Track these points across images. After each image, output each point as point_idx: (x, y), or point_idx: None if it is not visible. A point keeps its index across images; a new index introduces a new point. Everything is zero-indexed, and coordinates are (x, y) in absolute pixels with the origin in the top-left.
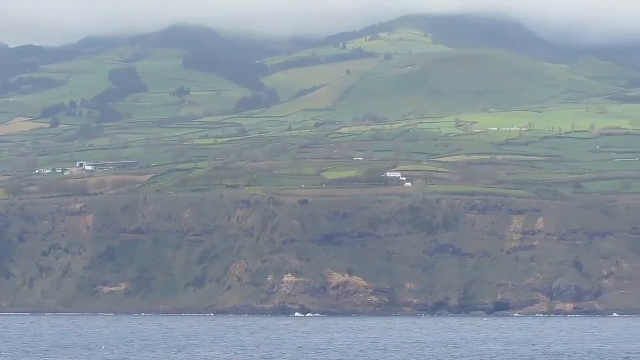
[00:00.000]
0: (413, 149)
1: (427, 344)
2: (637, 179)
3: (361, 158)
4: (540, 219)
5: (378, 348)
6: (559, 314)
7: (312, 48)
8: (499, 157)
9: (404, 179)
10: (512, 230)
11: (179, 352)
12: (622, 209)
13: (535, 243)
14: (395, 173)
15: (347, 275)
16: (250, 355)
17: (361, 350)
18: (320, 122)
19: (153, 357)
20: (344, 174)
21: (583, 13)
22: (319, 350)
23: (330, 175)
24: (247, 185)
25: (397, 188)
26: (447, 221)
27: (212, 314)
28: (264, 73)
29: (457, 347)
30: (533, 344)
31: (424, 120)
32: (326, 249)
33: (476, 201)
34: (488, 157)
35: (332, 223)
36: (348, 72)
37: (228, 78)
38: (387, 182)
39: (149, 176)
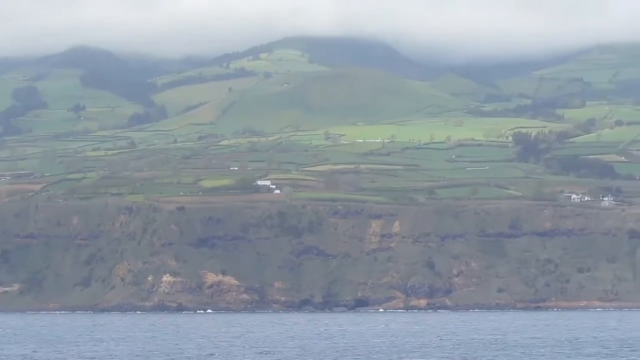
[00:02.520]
0: (285, 160)
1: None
2: (485, 185)
3: (237, 168)
4: (397, 223)
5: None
6: (413, 309)
7: (199, 68)
8: (362, 166)
9: (274, 187)
10: (371, 233)
11: None
12: (471, 213)
13: (392, 245)
14: (266, 181)
15: (220, 276)
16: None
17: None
18: (203, 135)
19: None
20: (219, 182)
21: (445, 35)
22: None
23: (207, 183)
24: (130, 194)
25: (267, 195)
26: (312, 225)
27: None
28: (155, 91)
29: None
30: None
31: (298, 134)
32: (201, 251)
33: (338, 207)
34: (352, 166)
35: (207, 227)
36: (230, 89)
37: (122, 95)
38: (258, 189)
39: (41, 185)
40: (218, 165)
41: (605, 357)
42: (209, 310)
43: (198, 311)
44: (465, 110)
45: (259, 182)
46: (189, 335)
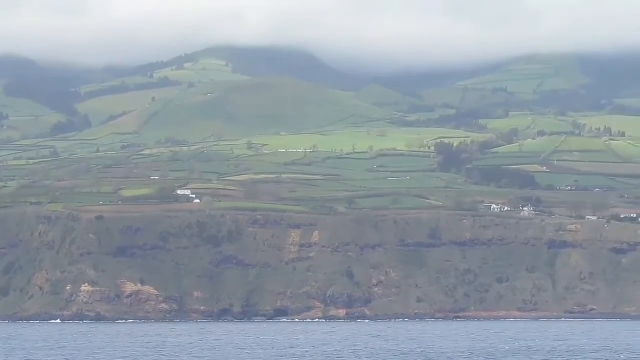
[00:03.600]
0: (206, 169)
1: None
2: (406, 195)
3: (157, 177)
4: (316, 233)
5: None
6: (332, 319)
7: (123, 77)
8: (283, 176)
9: (194, 196)
10: (290, 243)
11: None
12: (391, 223)
13: (311, 255)
14: (186, 191)
15: (139, 285)
16: None
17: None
18: (126, 144)
19: None
20: (139, 192)
21: (371, 45)
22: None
23: (127, 193)
24: (49, 203)
25: (186, 205)
26: (231, 235)
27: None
28: (79, 100)
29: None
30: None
31: (220, 143)
32: (120, 261)
33: (258, 216)
34: (273, 176)
35: (126, 237)
36: (153, 99)
37: (45, 104)
38: (178, 199)
39: None
40: (139, 175)
41: None
42: (130, 320)
43: (117, 321)
44: (388, 121)
45: (179, 192)
46: (103, 345)
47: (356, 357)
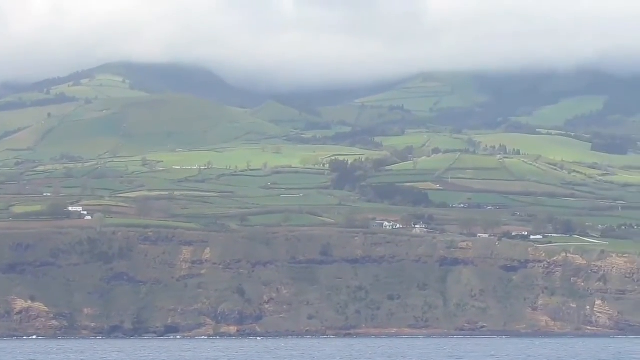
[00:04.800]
0: (100, 186)
1: None
2: (298, 213)
3: (50, 194)
4: (208, 250)
5: None
6: (223, 336)
7: (19, 93)
8: (176, 192)
9: (85, 212)
10: (181, 259)
11: None
12: (283, 240)
13: (202, 272)
14: (78, 207)
15: (29, 302)
16: None
17: None
18: (20, 161)
19: None
20: (31, 208)
21: (269, 63)
22: None
23: (18, 209)
24: None
25: (77, 221)
26: (123, 251)
27: None
28: None
29: None
30: None
31: (115, 160)
32: (10, 277)
33: (149, 233)
34: (167, 193)
35: (16, 253)
36: (49, 115)
37: None
38: (69, 215)
39: None
40: (31, 191)
41: None
42: (24, 337)
43: (5, 338)
44: (284, 138)
45: (71, 208)
46: None
47: None
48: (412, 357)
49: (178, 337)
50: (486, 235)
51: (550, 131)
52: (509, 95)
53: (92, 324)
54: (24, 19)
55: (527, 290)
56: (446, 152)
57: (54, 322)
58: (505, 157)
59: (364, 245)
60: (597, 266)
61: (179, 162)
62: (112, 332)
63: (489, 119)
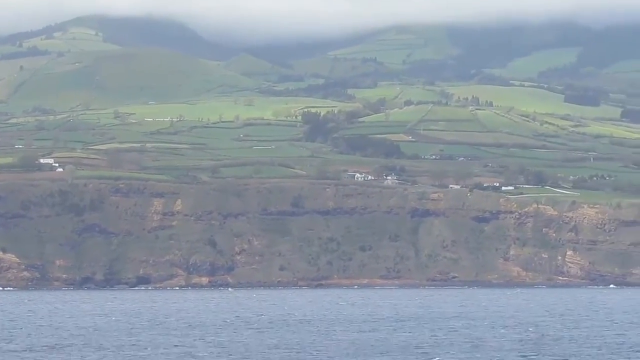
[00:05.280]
0: (72, 138)
1: None
2: (269, 164)
3: (21, 146)
4: (179, 201)
5: None
6: (195, 287)
7: None
8: (148, 145)
9: (57, 165)
10: (153, 211)
11: None
12: (254, 192)
13: (174, 223)
14: (49, 160)
15: (1, 253)
16: None
17: None
18: None
19: None
20: (2, 160)
21: (242, 16)
22: None
23: None
24: None
25: (49, 173)
26: (94, 203)
27: None
28: None
29: None
30: None
31: (87, 112)
32: None
33: (120, 185)
34: (138, 145)
35: None
36: (21, 68)
37: None
38: (41, 168)
39: None
40: (3, 144)
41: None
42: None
43: None
44: (257, 90)
45: (42, 161)
46: None
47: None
48: (383, 307)
49: (150, 288)
50: (458, 187)
51: (523, 83)
52: (482, 48)
53: (64, 276)
54: None
55: (499, 241)
56: (418, 104)
57: (25, 273)
58: (477, 109)
59: (336, 197)
60: (568, 217)
61: (151, 114)
62: (84, 283)
63: (462, 71)
